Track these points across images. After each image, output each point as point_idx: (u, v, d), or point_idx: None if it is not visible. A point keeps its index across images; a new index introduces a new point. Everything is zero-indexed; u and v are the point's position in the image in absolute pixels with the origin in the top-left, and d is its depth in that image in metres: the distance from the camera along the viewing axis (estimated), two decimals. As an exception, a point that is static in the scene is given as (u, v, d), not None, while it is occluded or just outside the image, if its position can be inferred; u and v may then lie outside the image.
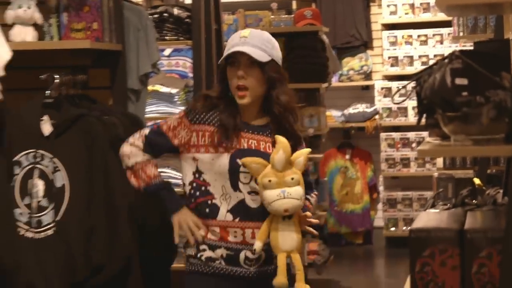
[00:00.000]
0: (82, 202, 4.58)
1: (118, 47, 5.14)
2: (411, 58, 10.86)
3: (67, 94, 4.77)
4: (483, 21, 7.82)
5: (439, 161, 8.49)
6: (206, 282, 4.33)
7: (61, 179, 4.56)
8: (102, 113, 4.78)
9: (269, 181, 4.05)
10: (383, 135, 10.75)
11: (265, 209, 4.14)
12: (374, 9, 11.16)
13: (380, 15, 11.05)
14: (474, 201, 4.45)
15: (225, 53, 4.23)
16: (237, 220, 4.24)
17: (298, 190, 4.04)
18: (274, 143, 4.22)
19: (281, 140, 4.08)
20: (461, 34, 8.22)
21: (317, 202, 4.50)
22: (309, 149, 4.31)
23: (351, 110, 10.74)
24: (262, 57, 4.14)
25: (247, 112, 4.30)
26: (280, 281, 4.05)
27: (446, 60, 3.89)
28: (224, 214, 4.23)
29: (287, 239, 4.07)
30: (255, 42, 4.19)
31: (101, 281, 4.58)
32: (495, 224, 4.04)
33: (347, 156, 10.63)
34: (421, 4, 10.86)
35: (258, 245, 4.11)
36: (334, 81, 10.03)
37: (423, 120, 4.28)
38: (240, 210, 4.25)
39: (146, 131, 4.39)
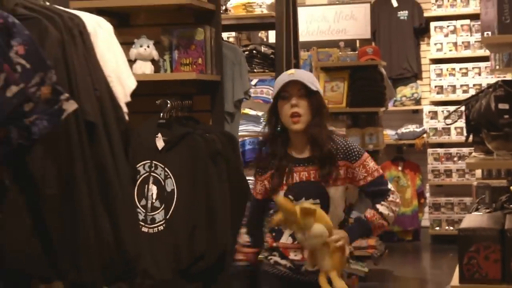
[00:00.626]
0: (187, 204, 4.58)
1: (218, 78, 5.13)
2: (454, 87, 10.76)
3: (176, 116, 4.79)
4: None
5: (478, 172, 8.35)
6: (270, 280, 4.25)
7: (171, 185, 4.59)
8: (204, 132, 4.80)
9: (291, 229, 3.96)
10: (430, 150, 10.67)
11: None
12: (423, 46, 11.09)
13: (428, 51, 10.97)
14: (511, 205, 4.41)
15: (276, 88, 4.08)
16: (295, 242, 4.04)
17: (316, 229, 3.81)
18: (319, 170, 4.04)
19: (277, 201, 3.93)
20: (497, 67, 8.08)
21: (394, 211, 4.09)
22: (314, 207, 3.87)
23: (403, 129, 10.66)
24: (312, 86, 3.98)
25: (296, 143, 4.12)
26: None
27: (491, 89, 3.92)
28: (286, 238, 4.09)
29: (322, 261, 3.89)
30: (302, 76, 4.05)
31: (202, 268, 4.56)
32: None
33: (400, 168, 10.54)
34: (462, 42, 10.75)
35: (308, 265, 4.00)
36: (390, 106, 9.92)
37: (471, 138, 4.27)
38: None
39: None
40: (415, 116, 10.86)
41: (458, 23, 10.85)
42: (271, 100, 7.25)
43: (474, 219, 4.14)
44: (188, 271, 4.54)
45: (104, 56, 3.49)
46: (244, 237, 4.47)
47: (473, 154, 3.93)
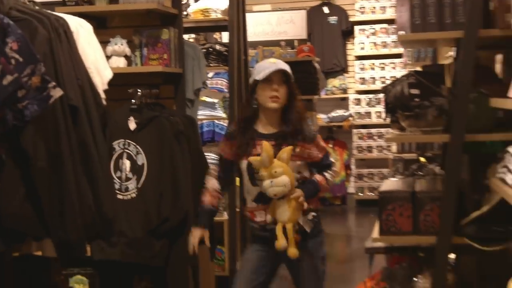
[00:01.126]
0: (155, 175, 4.52)
1: (180, 70, 5.07)
2: (374, 79, 10.76)
3: (146, 103, 4.73)
4: (424, 53, 7.73)
5: (394, 148, 8.41)
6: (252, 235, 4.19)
7: (141, 159, 4.53)
8: (169, 115, 4.75)
9: (262, 175, 3.78)
10: (354, 131, 10.68)
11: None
12: (349, 46, 11.06)
13: (353, 50, 10.95)
14: (420, 173, 4.46)
15: (263, 74, 3.83)
16: (259, 205, 3.96)
17: (283, 179, 3.76)
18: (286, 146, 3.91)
19: (264, 144, 3.79)
20: (409, 62, 8.16)
21: (333, 178, 4.06)
22: (290, 147, 3.86)
23: (333, 114, 10.64)
24: (291, 75, 3.88)
25: (269, 120, 3.95)
26: (279, 243, 3.83)
27: (404, 77, 3.95)
28: (250, 203, 4.01)
29: (281, 214, 3.81)
30: (283, 66, 3.88)
31: (168, 228, 4.50)
32: (435, 187, 4.09)
33: (330, 145, 10.44)
34: (381, 42, 10.73)
35: (268, 218, 3.92)
36: (322, 94, 9.95)
37: (388, 119, 4.31)
38: (259, 198, 3.95)
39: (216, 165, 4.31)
40: (343, 102, 10.86)
41: (377, 26, 10.81)
42: (225, 90, 7.26)
43: (390, 184, 4.17)
44: (156, 230, 4.49)
45: (85, 51, 3.45)
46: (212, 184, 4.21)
47: (390, 131, 3.95)
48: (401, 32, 4.27)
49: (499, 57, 4.18)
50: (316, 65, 8.73)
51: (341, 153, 10.70)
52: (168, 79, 5.09)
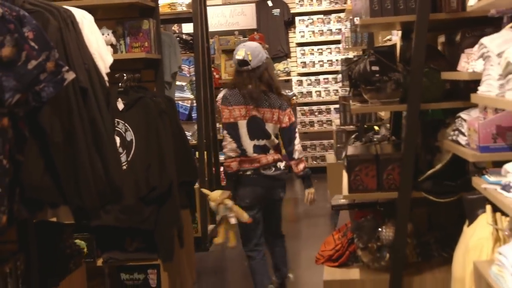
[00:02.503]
0: (143, 149, 4.54)
1: (159, 56, 5.07)
2: (313, 62, 10.80)
3: (130, 86, 4.72)
4: (360, 38, 7.73)
5: (336, 121, 8.43)
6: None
7: (130, 136, 4.53)
8: (152, 96, 4.75)
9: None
10: (298, 108, 10.69)
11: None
12: (291, 34, 11.04)
13: (295, 38, 10.95)
14: (375, 139, 4.50)
15: (233, 61, 4.80)
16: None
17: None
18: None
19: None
20: (347, 47, 8.18)
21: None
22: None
23: (279, 94, 10.73)
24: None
25: None
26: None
27: (366, 56, 3.93)
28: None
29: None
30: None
31: (155, 195, 4.54)
32: (393, 150, 4.14)
33: (277, 122, 10.60)
34: (318, 31, 10.74)
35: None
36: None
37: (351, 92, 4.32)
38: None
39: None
40: (287, 84, 10.86)
41: (315, 17, 10.80)
42: (187, 74, 7.21)
43: (354, 150, 4.19)
44: (146, 198, 4.52)
45: (89, 39, 3.39)
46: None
47: (353, 103, 3.98)
48: (357, 18, 4.34)
49: (441, 38, 4.25)
50: (266, 51, 8.75)
51: (286, 127, 10.75)
52: (148, 65, 5.13)
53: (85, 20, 3.39)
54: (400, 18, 3.70)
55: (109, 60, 3.58)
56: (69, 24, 3.20)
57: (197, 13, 6.59)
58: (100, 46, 3.48)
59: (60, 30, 3.08)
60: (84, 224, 4.23)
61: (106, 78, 3.48)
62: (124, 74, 4.62)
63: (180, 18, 7.00)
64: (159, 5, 6.79)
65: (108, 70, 3.56)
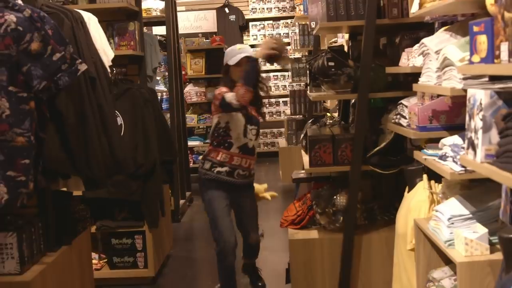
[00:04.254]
0: (131, 132, 4.60)
1: (142, 53, 5.14)
2: (264, 62, 10.81)
3: (119, 78, 4.79)
4: (307, 41, 7.89)
5: (287, 111, 8.55)
6: (214, 183, 4.04)
7: (119, 121, 4.54)
8: (138, 87, 4.84)
9: None
10: (251, 101, 10.80)
11: (253, 148, 4.09)
12: (245, 37, 11.09)
13: (249, 40, 10.97)
14: (329, 123, 4.66)
15: (235, 59, 4.00)
16: (240, 153, 4.01)
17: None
18: (254, 109, 4.10)
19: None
20: (295, 48, 8.34)
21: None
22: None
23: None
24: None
25: None
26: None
27: (323, 54, 4.01)
28: (236, 149, 3.99)
29: None
30: (248, 51, 4.03)
31: (142, 172, 4.62)
32: (344, 132, 4.20)
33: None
34: (269, 34, 10.86)
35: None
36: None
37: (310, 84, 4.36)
38: (243, 148, 4.01)
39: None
40: (242, 80, 10.98)
41: (266, 22, 10.91)
42: (160, 71, 7.22)
43: (313, 131, 4.31)
44: (133, 174, 4.55)
45: (94, 37, 3.47)
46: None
47: (312, 92, 4.13)
48: (313, 23, 4.50)
49: (383, 40, 4.43)
50: (225, 51, 8.85)
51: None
52: (133, 61, 5.18)
53: (91, 21, 3.49)
54: (352, 23, 3.81)
55: (111, 54, 3.68)
56: (79, 23, 3.29)
57: (169, 18, 6.68)
58: (103, 43, 3.58)
59: (73, 28, 3.18)
60: (81, 197, 4.33)
61: (109, 70, 3.58)
62: (114, 69, 4.70)
63: (155, 22, 7.07)
64: (137, 10, 6.98)
65: (110, 63, 3.65)
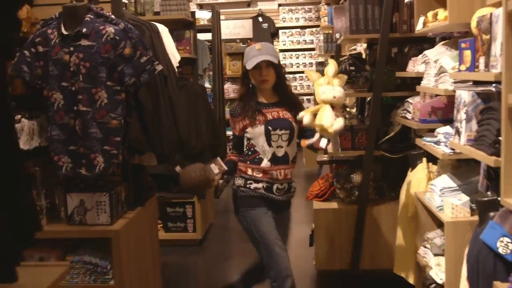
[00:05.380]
0: (186, 120, 4.65)
1: (195, 56, 5.46)
2: (291, 64, 11.13)
3: (176, 76, 5.18)
4: (330, 47, 8.11)
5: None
6: (253, 200, 3.23)
7: (177, 111, 5.01)
8: (191, 84, 5.12)
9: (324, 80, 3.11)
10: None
11: (287, 156, 3.20)
12: (276, 43, 11.26)
13: (279, 45, 11.16)
14: (348, 116, 4.66)
15: (251, 62, 3.16)
16: (272, 165, 3.19)
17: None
18: (288, 111, 3.23)
19: (331, 61, 3.18)
20: (319, 53, 8.58)
21: None
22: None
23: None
24: (275, 61, 3.15)
25: (264, 95, 3.25)
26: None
27: (346, 60, 4.19)
28: (265, 162, 3.18)
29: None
30: (268, 52, 3.18)
31: (194, 153, 4.80)
32: (361, 123, 4.30)
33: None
34: (296, 41, 11.11)
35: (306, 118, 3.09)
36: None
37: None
38: (273, 158, 3.18)
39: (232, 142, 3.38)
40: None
41: (294, 30, 11.15)
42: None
43: None
44: (187, 154, 4.62)
45: (166, 43, 3.82)
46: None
47: None
48: (337, 34, 4.82)
49: (394, 50, 4.65)
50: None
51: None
52: (187, 62, 5.47)
53: (163, 31, 3.92)
54: (369, 36, 4.06)
55: (178, 57, 4.07)
56: (155, 33, 3.71)
57: (215, 26, 7.09)
58: (172, 48, 3.98)
59: (151, 37, 3.58)
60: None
61: (176, 70, 3.98)
62: (180, 68, 4.93)
63: (202, 29, 7.50)
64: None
65: (178, 65, 4.04)
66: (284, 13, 11.28)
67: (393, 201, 4.20)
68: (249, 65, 3.16)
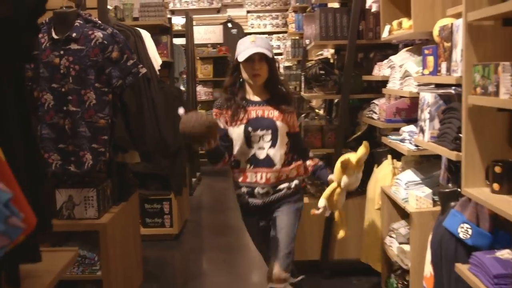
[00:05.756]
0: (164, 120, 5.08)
1: (172, 60, 5.50)
2: None
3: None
4: (297, 52, 8.26)
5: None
6: (241, 209, 3.00)
7: (155, 112, 5.09)
8: (169, 86, 5.10)
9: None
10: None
11: (269, 159, 2.84)
12: None
13: None
14: (316, 117, 4.83)
15: (244, 54, 2.79)
16: (251, 167, 2.86)
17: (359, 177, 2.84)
18: (275, 110, 2.85)
19: (365, 144, 2.79)
20: (287, 58, 8.64)
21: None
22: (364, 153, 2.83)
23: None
24: (269, 54, 2.80)
25: (254, 91, 2.91)
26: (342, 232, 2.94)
27: (316, 64, 4.28)
28: (244, 164, 2.87)
29: (340, 202, 2.91)
30: (262, 44, 2.81)
31: (171, 152, 4.78)
32: (330, 123, 4.28)
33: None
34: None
35: (321, 202, 2.88)
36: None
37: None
38: (253, 160, 2.86)
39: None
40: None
41: (262, 36, 11.28)
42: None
43: (307, 123, 4.71)
44: (164, 153, 4.72)
45: (148, 48, 3.92)
46: None
47: (306, 93, 4.37)
48: (308, 40, 4.95)
49: (360, 55, 4.73)
50: (229, 59, 9.24)
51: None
52: (164, 65, 5.45)
53: (146, 37, 4.00)
54: (338, 42, 4.15)
55: (159, 61, 4.16)
56: (139, 38, 3.80)
57: (188, 31, 7.20)
58: (154, 52, 4.06)
59: (135, 42, 3.69)
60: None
61: (158, 73, 4.06)
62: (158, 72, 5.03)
63: (177, 34, 7.57)
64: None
65: (159, 68, 4.13)
66: (252, 19, 11.40)
67: (360, 195, 4.24)
68: (241, 57, 2.78)
